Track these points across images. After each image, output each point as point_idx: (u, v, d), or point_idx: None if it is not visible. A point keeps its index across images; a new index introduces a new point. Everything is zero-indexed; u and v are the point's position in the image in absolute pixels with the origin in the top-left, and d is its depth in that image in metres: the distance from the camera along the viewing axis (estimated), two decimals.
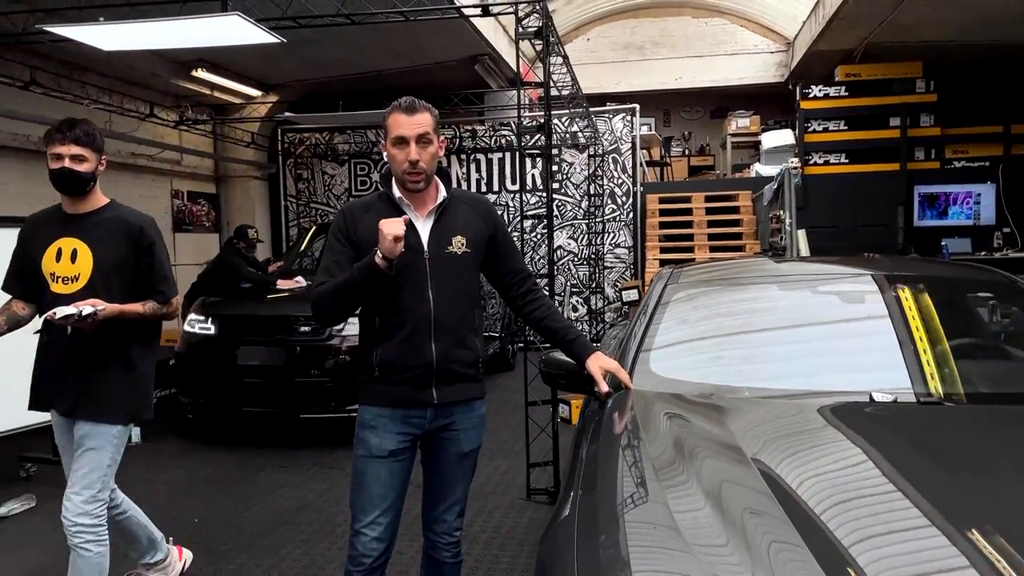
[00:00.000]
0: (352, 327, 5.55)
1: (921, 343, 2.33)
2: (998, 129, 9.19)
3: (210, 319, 5.93)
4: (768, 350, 2.54)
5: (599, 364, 2.39)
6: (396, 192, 2.37)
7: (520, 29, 4.69)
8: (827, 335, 2.60)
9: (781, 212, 7.36)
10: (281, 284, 6.64)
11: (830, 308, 2.76)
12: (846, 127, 9.58)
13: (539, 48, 4.91)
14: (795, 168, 7.15)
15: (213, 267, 7.41)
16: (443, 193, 2.40)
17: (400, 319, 2.30)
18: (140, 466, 5.26)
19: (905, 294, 2.55)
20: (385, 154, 2.37)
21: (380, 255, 2.16)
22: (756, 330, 2.66)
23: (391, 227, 2.15)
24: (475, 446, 2.48)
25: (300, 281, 6.56)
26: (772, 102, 12.08)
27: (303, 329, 5.68)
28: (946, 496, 1.58)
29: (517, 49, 4.87)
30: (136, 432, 5.80)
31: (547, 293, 7.55)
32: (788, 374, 2.40)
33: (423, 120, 2.28)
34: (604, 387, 2.34)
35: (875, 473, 1.76)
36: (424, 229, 2.36)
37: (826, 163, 9.66)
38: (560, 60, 6.37)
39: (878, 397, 2.19)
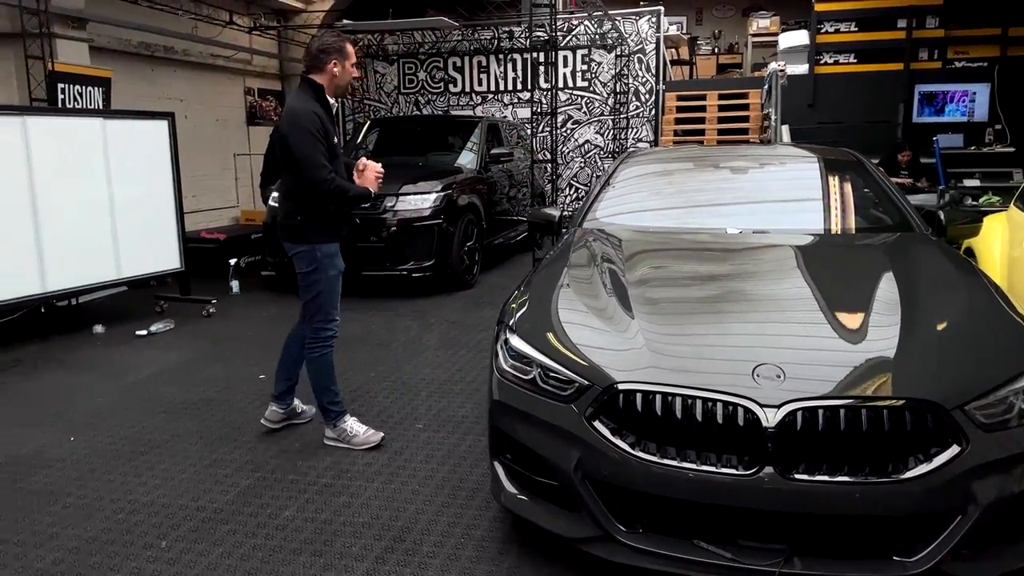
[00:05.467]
0: (401, 203, 6.99)
1: (766, 199, 3.61)
2: (997, 31, 9.81)
3: None
4: (671, 204, 3.84)
5: None
6: (332, 101, 3.46)
7: None
8: (714, 195, 3.88)
9: (770, 110, 8.33)
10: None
11: (723, 178, 4.02)
12: (856, 28, 10.29)
13: None
14: (781, 71, 8.04)
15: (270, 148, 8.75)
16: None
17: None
18: (242, 307, 6.87)
19: (772, 168, 3.80)
20: (338, 70, 3.39)
21: (372, 192, 3.52)
22: (666, 191, 3.96)
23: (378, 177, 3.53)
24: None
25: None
26: (799, 2, 12.60)
27: (363, 205, 7.05)
28: (721, 278, 2.94)
29: None
30: (236, 284, 7.42)
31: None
32: (680, 219, 3.70)
33: None
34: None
35: (686, 266, 3.14)
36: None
37: (836, 63, 10.45)
38: None
39: (730, 231, 3.49)
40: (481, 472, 3.34)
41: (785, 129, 7.86)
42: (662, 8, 11.13)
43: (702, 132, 10.22)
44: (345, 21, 10.00)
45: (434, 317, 6.42)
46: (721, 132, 10.14)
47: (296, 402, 3.93)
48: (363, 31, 11.54)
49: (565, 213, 4.10)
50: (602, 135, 11.55)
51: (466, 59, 11.95)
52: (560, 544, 2.53)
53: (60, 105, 6.75)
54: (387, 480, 3.29)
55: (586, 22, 11.16)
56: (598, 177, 11.55)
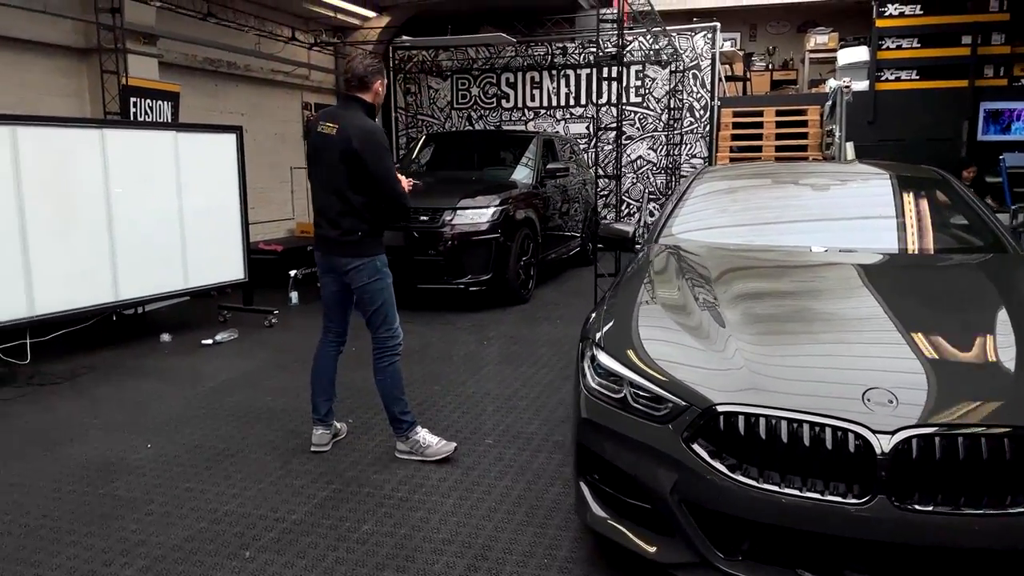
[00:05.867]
0: (459, 217, 7.00)
1: (849, 217, 3.52)
2: None
3: None
4: (751, 221, 3.77)
5: None
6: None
7: None
8: (794, 212, 3.79)
9: (833, 126, 8.18)
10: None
11: (802, 195, 3.94)
12: (919, 44, 10.07)
13: None
14: (847, 87, 7.90)
15: None
16: None
17: None
18: (302, 318, 6.93)
19: (853, 185, 3.71)
20: (381, 89, 3.55)
21: None
22: (744, 208, 3.89)
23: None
24: None
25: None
26: (857, 18, 12.42)
27: (422, 218, 7.08)
28: (815, 297, 2.85)
29: None
30: (295, 295, 7.51)
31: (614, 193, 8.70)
32: (761, 236, 3.62)
33: None
34: None
35: (774, 283, 3.05)
36: None
37: (897, 79, 10.23)
38: None
39: (815, 249, 3.41)
40: (557, 491, 3.30)
41: (850, 146, 7.71)
42: (718, 24, 11.05)
43: (759, 149, 10.08)
44: (404, 38, 10.12)
45: (492, 331, 6.40)
46: (779, 149, 9.99)
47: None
48: (421, 47, 11.69)
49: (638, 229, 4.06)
50: (655, 151, 11.48)
51: (519, 75, 12.00)
52: (649, 569, 2.47)
53: (132, 118, 6.93)
54: (462, 496, 3.27)
55: (640, 38, 11.14)
56: (650, 193, 11.51)
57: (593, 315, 3.00)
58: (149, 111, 7.19)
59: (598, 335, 2.73)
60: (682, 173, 11.38)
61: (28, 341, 5.23)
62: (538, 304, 7.56)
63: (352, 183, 3.46)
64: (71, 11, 7.08)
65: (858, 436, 2.07)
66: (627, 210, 11.66)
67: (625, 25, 11.46)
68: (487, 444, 3.86)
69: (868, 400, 2.13)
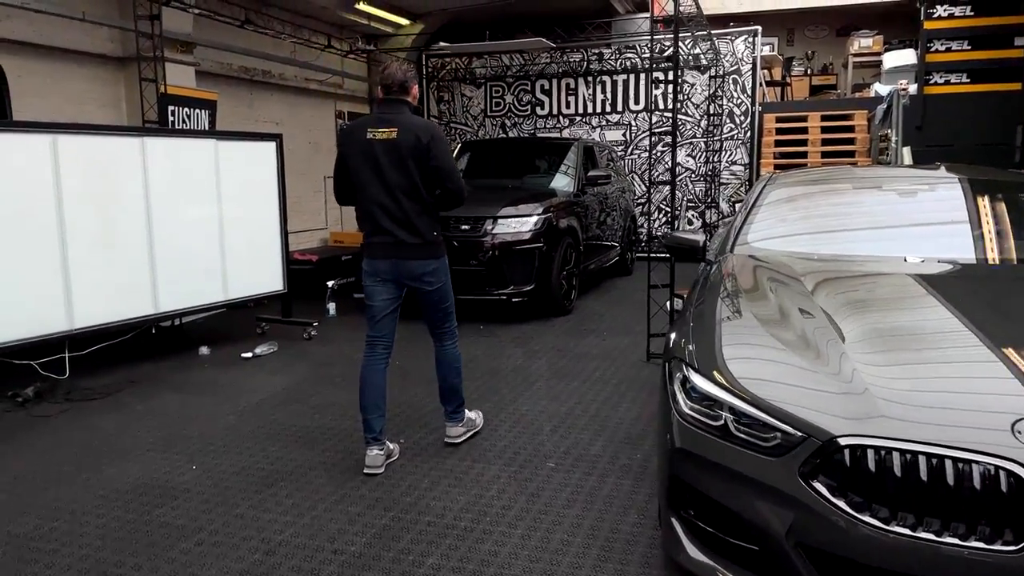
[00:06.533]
0: (501, 226, 6.79)
1: (939, 225, 3.26)
2: None
3: None
4: (829, 228, 3.52)
5: None
6: None
7: None
8: (876, 219, 3.54)
9: (889, 131, 7.89)
10: None
11: (885, 201, 3.68)
12: (969, 47, 9.71)
13: None
14: (903, 90, 7.60)
15: None
16: None
17: None
18: (341, 330, 6.76)
19: (941, 189, 3.45)
20: (417, 92, 3.66)
21: None
22: (823, 215, 3.64)
23: None
24: None
25: None
26: (899, 21, 12.09)
27: (463, 227, 6.89)
28: (901, 304, 2.60)
29: None
30: (332, 306, 7.34)
31: (668, 206, 8.46)
32: (842, 245, 3.37)
33: None
34: None
35: (880, 295, 2.79)
36: None
37: (947, 83, 9.88)
38: None
39: (910, 259, 3.15)
40: (632, 521, 3.06)
41: (907, 151, 7.42)
42: (759, 28, 10.80)
43: (804, 155, 9.79)
44: (441, 44, 9.98)
45: (538, 344, 6.18)
46: (825, 156, 9.70)
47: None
48: (458, 53, 11.55)
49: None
50: (694, 158, 11.22)
51: (554, 81, 11.81)
52: None
53: (170, 126, 6.82)
54: (531, 526, 3.04)
55: (679, 43, 10.89)
56: (689, 201, 11.25)
57: (674, 333, 2.76)
58: (187, 119, 7.08)
59: (688, 353, 2.50)
60: (722, 180, 11.12)
61: (67, 355, 5.10)
62: (582, 315, 7.33)
63: (424, 182, 3.48)
64: (110, 19, 7.01)
65: (1010, 474, 1.82)
66: (664, 218, 11.41)
67: (667, 29, 11.27)
68: (549, 468, 3.64)
69: (1020, 433, 1.88)
